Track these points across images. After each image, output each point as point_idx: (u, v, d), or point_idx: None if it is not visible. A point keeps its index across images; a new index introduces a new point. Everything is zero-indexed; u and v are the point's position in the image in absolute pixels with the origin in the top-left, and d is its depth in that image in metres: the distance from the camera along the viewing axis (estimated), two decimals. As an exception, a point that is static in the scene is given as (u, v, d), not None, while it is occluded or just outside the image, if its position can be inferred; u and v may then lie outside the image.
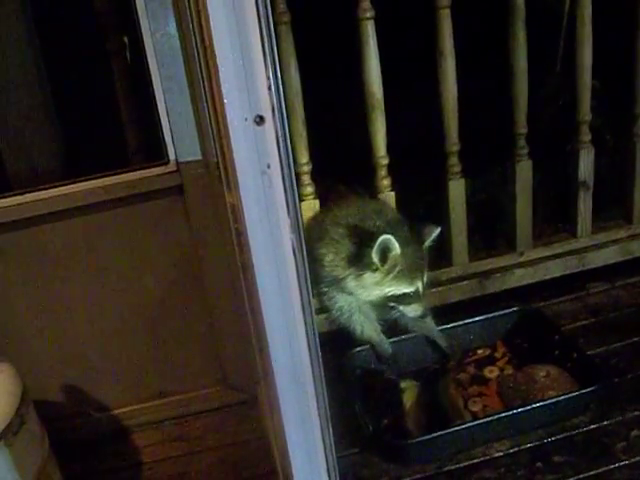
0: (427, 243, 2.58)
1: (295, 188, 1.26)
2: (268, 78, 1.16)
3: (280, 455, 1.78)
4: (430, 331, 2.79)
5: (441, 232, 2.66)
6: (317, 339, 1.39)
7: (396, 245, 2.43)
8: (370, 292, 2.55)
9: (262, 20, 1.15)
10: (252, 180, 1.21)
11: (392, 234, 2.43)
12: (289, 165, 1.23)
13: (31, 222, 2.53)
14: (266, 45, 1.15)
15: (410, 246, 2.51)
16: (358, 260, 2.51)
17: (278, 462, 2.01)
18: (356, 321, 2.71)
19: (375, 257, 2.45)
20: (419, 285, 2.53)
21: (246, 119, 1.17)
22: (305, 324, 1.34)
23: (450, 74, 2.73)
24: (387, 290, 2.53)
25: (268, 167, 1.20)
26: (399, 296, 2.54)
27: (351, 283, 2.56)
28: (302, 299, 1.31)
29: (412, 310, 2.57)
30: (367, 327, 2.73)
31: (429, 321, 2.78)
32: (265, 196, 1.22)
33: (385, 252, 2.45)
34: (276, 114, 1.18)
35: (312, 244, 2.59)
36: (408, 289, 2.51)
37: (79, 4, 2.87)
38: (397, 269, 2.48)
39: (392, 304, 2.58)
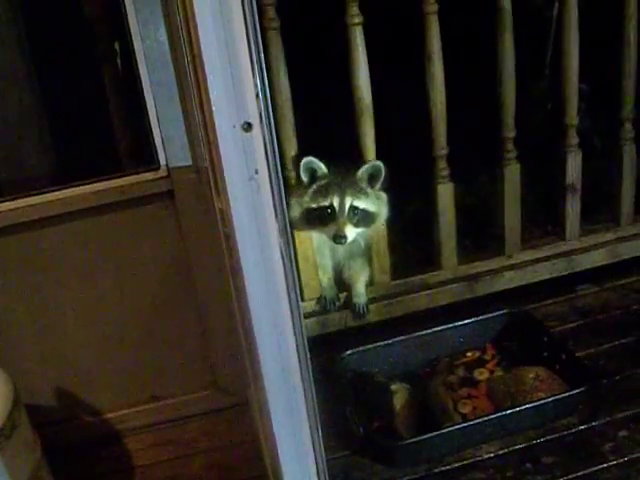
0: (361, 174, 2.67)
1: (283, 193, 1.28)
2: (256, 85, 1.18)
3: (270, 458, 1.79)
4: (354, 282, 2.90)
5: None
6: (306, 342, 1.40)
7: (321, 165, 2.63)
8: (299, 212, 2.68)
9: (249, 28, 1.16)
10: (240, 185, 1.22)
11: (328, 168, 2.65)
12: (277, 171, 1.25)
13: (22, 227, 2.53)
14: (254, 53, 1.17)
15: (339, 173, 2.66)
16: (297, 189, 2.70)
17: (269, 465, 2.02)
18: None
19: (303, 176, 2.64)
20: (334, 201, 2.60)
21: (234, 126, 1.19)
22: (294, 327, 1.35)
23: (438, 78, 2.74)
24: (307, 206, 2.66)
25: (256, 173, 1.22)
26: (320, 217, 2.64)
27: (294, 213, 2.67)
28: (290, 302, 1.33)
29: (329, 230, 2.62)
30: (321, 267, 2.87)
31: (360, 275, 2.90)
32: (253, 201, 1.23)
33: (313, 173, 2.65)
34: (264, 121, 1.20)
35: None
36: (323, 202, 2.61)
37: (70, 11, 2.88)
38: (317, 184, 2.64)
39: (317, 229, 2.69)
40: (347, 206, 2.61)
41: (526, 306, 3.05)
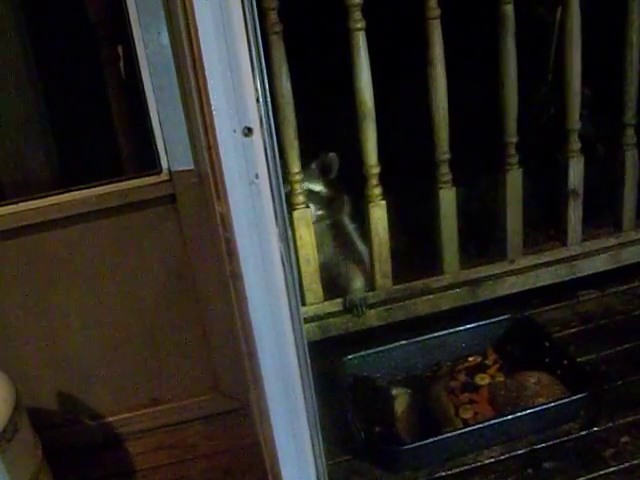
0: (315, 164, 2.93)
1: (283, 198, 1.28)
2: (256, 90, 1.18)
3: (270, 462, 1.79)
4: (348, 279, 3.02)
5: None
6: (306, 347, 1.40)
7: None
8: None
9: (250, 32, 1.16)
10: (241, 190, 1.22)
11: None
12: (277, 175, 1.25)
13: (24, 231, 2.53)
14: (254, 57, 1.17)
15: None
16: None
17: (269, 470, 2.02)
18: None
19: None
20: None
21: (234, 130, 1.19)
22: (294, 332, 1.35)
23: (440, 83, 2.74)
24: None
25: (256, 177, 1.22)
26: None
27: None
28: (290, 307, 1.33)
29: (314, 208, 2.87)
30: None
31: (354, 271, 3.03)
32: (254, 206, 1.24)
33: None
34: (264, 125, 1.20)
35: None
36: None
37: (73, 15, 2.88)
38: None
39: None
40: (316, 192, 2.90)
41: (528, 311, 3.05)
